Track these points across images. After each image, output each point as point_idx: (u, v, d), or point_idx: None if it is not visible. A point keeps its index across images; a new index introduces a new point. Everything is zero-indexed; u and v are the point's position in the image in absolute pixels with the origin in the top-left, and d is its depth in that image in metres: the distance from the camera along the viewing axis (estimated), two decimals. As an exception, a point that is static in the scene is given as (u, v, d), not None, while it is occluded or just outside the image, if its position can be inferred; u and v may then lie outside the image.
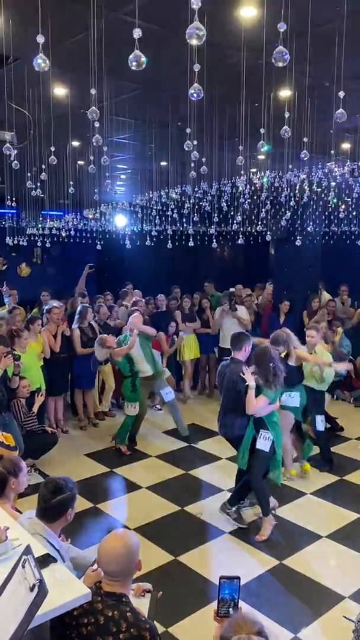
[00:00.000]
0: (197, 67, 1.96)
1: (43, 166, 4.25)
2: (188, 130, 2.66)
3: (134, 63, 1.86)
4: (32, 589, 1.59)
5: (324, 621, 3.72)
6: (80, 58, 3.07)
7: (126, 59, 1.96)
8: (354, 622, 1.95)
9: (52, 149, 3.30)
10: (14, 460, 3.30)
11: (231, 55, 3.16)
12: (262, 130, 2.85)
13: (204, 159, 3.94)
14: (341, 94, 2.11)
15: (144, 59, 1.85)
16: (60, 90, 4.37)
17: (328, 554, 4.56)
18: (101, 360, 6.51)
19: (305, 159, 2.92)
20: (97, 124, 2.58)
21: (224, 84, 3.66)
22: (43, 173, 4.07)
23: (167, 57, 3.59)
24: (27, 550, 1.71)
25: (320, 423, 5.93)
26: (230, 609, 2.03)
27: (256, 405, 4.58)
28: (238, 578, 2.07)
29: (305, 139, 3.19)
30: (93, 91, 2.22)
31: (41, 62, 1.90)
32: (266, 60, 2.92)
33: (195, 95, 1.91)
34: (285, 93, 3.94)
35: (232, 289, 8.50)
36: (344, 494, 5.57)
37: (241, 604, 2.13)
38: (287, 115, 2.50)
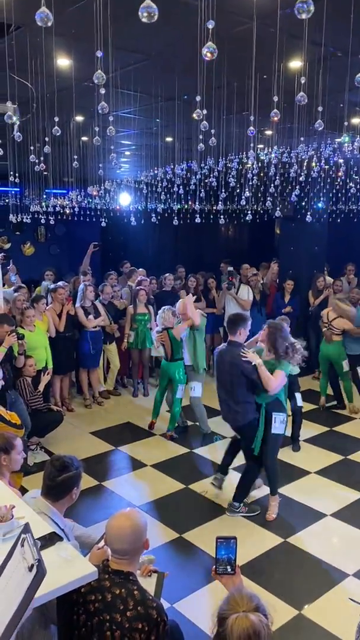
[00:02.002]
0: (211, 24, 1.85)
1: (47, 139, 4.16)
2: (198, 98, 2.57)
3: (145, 14, 1.75)
4: (30, 569, 1.57)
5: (327, 598, 3.74)
6: (84, 26, 2.96)
7: (132, 27, 1.88)
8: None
9: (56, 119, 3.21)
10: (6, 436, 3.28)
11: (242, 24, 3.05)
12: (275, 99, 2.75)
13: (212, 131, 3.83)
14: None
15: (155, 9, 1.73)
16: (63, 62, 4.25)
17: (332, 532, 4.58)
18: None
19: (320, 128, 2.82)
20: (102, 91, 2.49)
21: (234, 55, 3.54)
22: (46, 146, 3.97)
23: (175, 26, 3.47)
24: (26, 529, 1.69)
25: (299, 399, 5.99)
26: (228, 567, 2.11)
27: (277, 381, 4.41)
28: (234, 538, 2.10)
29: (320, 108, 3.08)
30: (99, 53, 2.13)
31: (44, 16, 1.80)
32: (279, 29, 2.82)
33: (208, 54, 1.81)
34: (296, 64, 3.83)
35: (230, 268, 8.43)
36: (348, 473, 5.58)
37: (245, 581, 2.14)
38: (302, 80, 2.39)
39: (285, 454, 5.87)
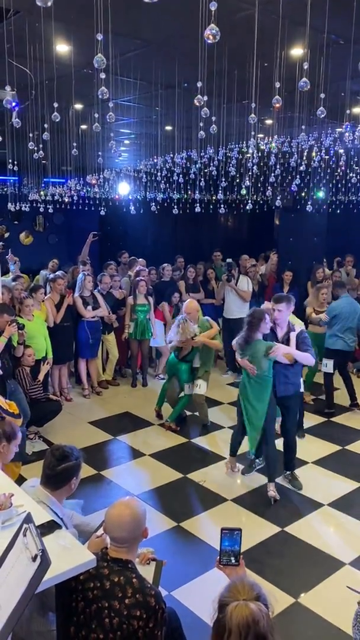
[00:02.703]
0: (213, 5, 1.82)
1: (46, 125, 4.12)
2: (199, 84, 2.53)
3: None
4: (34, 559, 1.56)
5: (324, 587, 3.77)
6: (83, 11, 2.92)
7: (132, 12, 1.85)
8: (359, 593, 1.95)
9: (56, 105, 3.17)
10: (13, 426, 3.29)
11: (244, 9, 3.01)
12: (277, 85, 2.72)
13: (213, 118, 3.79)
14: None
15: None
16: (62, 47, 4.20)
17: (329, 521, 4.61)
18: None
19: (322, 115, 2.79)
20: (102, 75, 2.46)
21: (235, 42, 3.51)
22: (45, 133, 3.93)
23: (175, 12, 3.42)
24: (28, 519, 1.69)
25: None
26: (232, 559, 2.11)
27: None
28: (239, 530, 2.11)
29: (322, 95, 3.05)
30: (99, 36, 2.09)
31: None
32: (281, 15, 2.78)
33: (210, 36, 1.78)
34: (297, 52, 3.78)
35: (229, 260, 8.42)
36: (346, 463, 5.61)
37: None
38: (305, 66, 2.36)
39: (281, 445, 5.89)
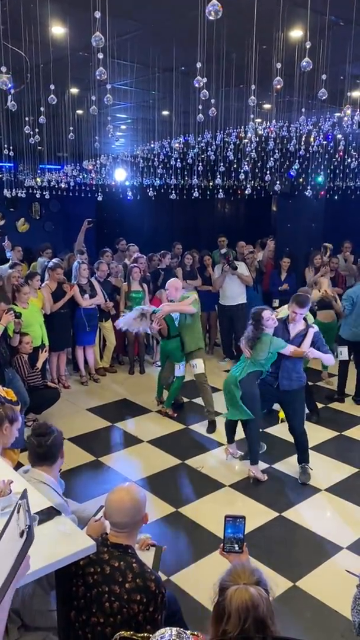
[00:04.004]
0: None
1: (42, 109, 4.06)
2: (198, 65, 2.49)
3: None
4: (21, 535, 1.61)
5: (322, 571, 3.81)
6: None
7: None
8: (358, 577, 1.96)
9: (52, 87, 3.12)
10: (15, 409, 3.33)
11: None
12: (278, 65, 2.68)
13: (212, 100, 3.74)
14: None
15: None
16: (58, 29, 4.12)
17: (327, 506, 4.65)
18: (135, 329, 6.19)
19: (324, 97, 2.76)
20: (100, 55, 2.41)
21: (234, 23, 3.44)
22: (42, 117, 3.87)
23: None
24: (24, 495, 1.73)
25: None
26: (235, 546, 2.12)
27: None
28: (243, 517, 2.11)
29: (324, 76, 3.01)
30: (97, 14, 2.05)
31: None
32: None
33: (212, 13, 1.75)
34: (297, 34, 3.72)
35: (223, 250, 8.38)
36: (343, 448, 5.64)
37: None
38: (308, 45, 2.32)
39: (279, 431, 5.93)
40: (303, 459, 5.05)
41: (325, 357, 5.03)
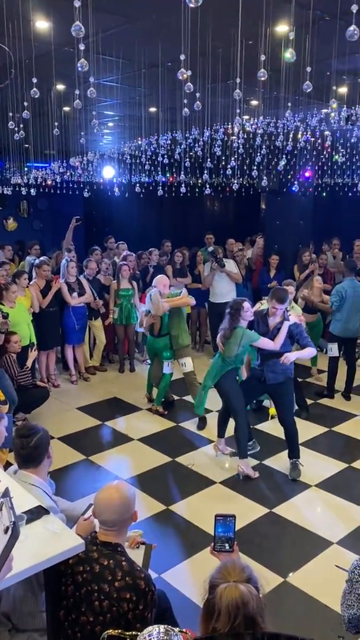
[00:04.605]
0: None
1: (25, 103, 4.01)
2: (182, 57, 2.47)
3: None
4: (5, 532, 1.60)
5: (313, 566, 3.82)
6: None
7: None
8: (348, 572, 1.96)
9: (34, 80, 3.09)
10: (0, 409, 3.28)
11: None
12: (262, 57, 2.66)
13: (197, 94, 3.73)
14: (354, 7, 1.89)
15: None
16: (42, 24, 4.08)
17: (317, 502, 4.66)
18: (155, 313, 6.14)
19: (309, 90, 2.75)
20: (82, 46, 2.39)
21: (219, 18, 3.43)
22: (25, 112, 3.83)
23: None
24: (6, 493, 1.71)
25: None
26: (226, 545, 2.10)
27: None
28: (233, 516, 2.10)
29: (308, 69, 3.00)
30: (77, 3, 2.02)
31: None
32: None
33: (193, 1, 1.73)
34: (283, 28, 3.71)
35: (210, 248, 8.38)
36: (333, 444, 5.67)
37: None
38: (291, 36, 2.31)
39: (269, 427, 5.94)
40: (293, 454, 5.05)
41: (306, 353, 4.94)
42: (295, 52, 2.53)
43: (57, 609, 2.23)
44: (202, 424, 5.99)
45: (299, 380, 6.66)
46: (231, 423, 5.22)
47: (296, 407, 6.22)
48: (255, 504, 4.55)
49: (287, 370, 4.94)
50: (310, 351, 4.94)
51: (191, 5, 1.76)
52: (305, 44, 3.20)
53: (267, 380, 4.92)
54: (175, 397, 6.72)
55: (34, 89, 2.98)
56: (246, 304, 4.87)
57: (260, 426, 5.95)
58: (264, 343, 4.82)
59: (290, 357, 4.81)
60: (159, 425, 6.08)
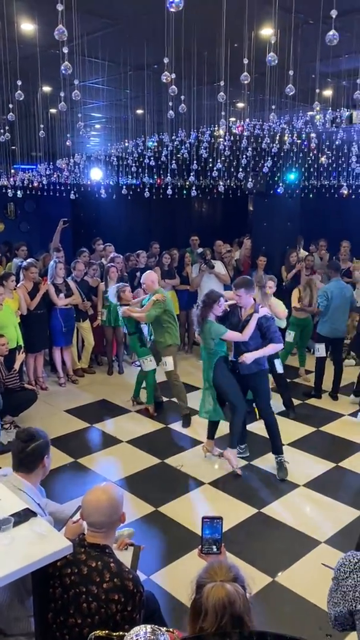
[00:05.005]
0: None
1: (10, 105, 4.00)
2: (165, 60, 2.49)
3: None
4: None
5: (301, 565, 3.84)
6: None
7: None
8: (334, 570, 1.98)
9: (19, 82, 3.08)
10: None
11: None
12: (245, 61, 2.68)
13: (182, 97, 3.74)
14: (333, 12, 1.92)
15: None
16: (27, 26, 4.07)
17: (305, 502, 4.69)
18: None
19: (291, 93, 2.77)
20: (65, 50, 2.39)
21: (204, 22, 3.45)
22: (10, 114, 3.82)
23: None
24: None
25: (279, 366, 6.03)
26: (214, 547, 2.11)
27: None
28: (220, 518, 2.11)
29: (291, 72, 3.03)
30: (60, 7, 2.02)
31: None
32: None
33: (174, 6, 1.74)
34: (267, 32, 3.74)
35: (199, 250, 8.42)
36: (321, 444, 5.70)
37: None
38: (273, 40, 2.33)
39: (257, 427, 5.96)
40: (276, 450, 5.08)
41: (268, 349, 4.89)
42: (278, 55, 2.55)
43: (45, 612, 2.22)
44: (186, 423, 6.07)
45: (288, 380, 6.71)
46: (222, 424, 5.25)
47: (283, 408, 6.27)
48: (244, 504, 4.57)
49: (259, 361, 4.94)
50: (274, 347, 4.92)
51: (172, 10, 1.78)
52: (289, 47, 3.23)
53: (241, 371, 4.97)
54: (165, 399, 6.72)
55: (19, 91, 2.98)
56: (222, 300, 4.95)
57: (248, 427, 5.95)
58: (231, 336, 4.88)
59: (248, 356, 4.81)
60: (148, 427, 6.08)
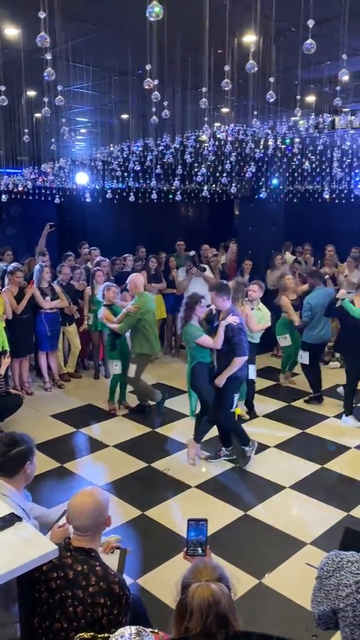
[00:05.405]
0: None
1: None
2: (148, 67, 2.52)
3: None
4: None
5: (287, 567, 3.87)
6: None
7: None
8: (317, 569, 2.00)
9: (2, 88, 3.08)
10: None
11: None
12: (226, 68, 2.72)
13: (165, 103, 3.77)
14: (310, 22, 1.96)
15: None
16: (11, 31, 4.08)
17: (291, 504, 4.72)
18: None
19: (272, 100, 2.81)
20: (49, 56, 2.41)
21: (186, 29, 3.48)
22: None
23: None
24: None
25: (253, 372, 6.13)
26: (199, 549, 2.12)
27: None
28: (205, 520, 2.12)
29: (271, 79, 3.07)
30: (42, 14, 2.03)
31: None
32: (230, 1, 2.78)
33: (153, 14, 1.77)
34: (249, 38, 3.79)
35: (191, 253, 8.47)
36: (306, 446, 5.74)
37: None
38: (253, 49, 2.38)
39: (245, 429, 5.99)
40: (225, 441, 5.28)
41: (233, 368, 4.88)
42: (261, 61, 2.58)
43: (30, 617, 2.21)
44: (136, 409, 6.30)
45: (273, 383, 6.76)
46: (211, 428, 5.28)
47: (269, 411, 6.32)
48: (230, 506, 4.59)
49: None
50: (238, 361, 4.87)
51: (151, 19, 1.80)
52: (271, 53, 3.28)
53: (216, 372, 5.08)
54: (151, 403, 6.72)
55: (2, 96, 2.98)
56: (204, 301, 5.01)
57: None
58: (204, 341, 4.93)
59: (219, 382, 4.95)
60: (134, 431, 6.08)
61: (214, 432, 5.35)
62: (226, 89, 2.59)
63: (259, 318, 6.11)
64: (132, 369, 6.18)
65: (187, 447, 5.15)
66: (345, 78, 2.78)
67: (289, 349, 7.26)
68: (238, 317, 4.98)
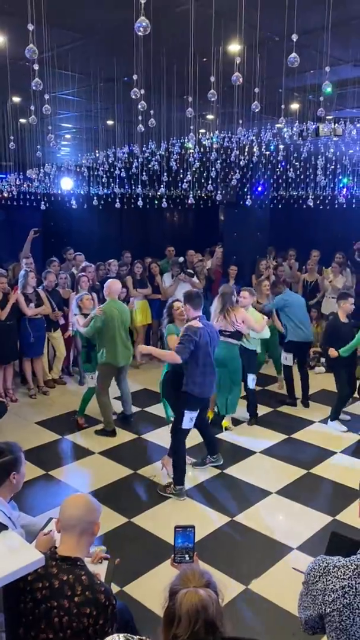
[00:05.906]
0: (144, -2, 1.82)
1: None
2: (135, 77, 2.53)
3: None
4: None
5: (274, 572, 3.87)
6: (17, 1, 2.85)
7: (66, 2, 1.82)
8: (304, 574, 2.01)
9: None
10: None
11: (179, 4, 3.02)
12: (212, 79, 2.75)
13: (152, 112, 3.79)
14: (294, 36, 2.00)
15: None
16: (-3, 38, 4.08)
17: (277, 509, 4.73)
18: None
19: (257, 110, 2.85)
20: (36, 66, 2.41)
21: (174, 37, 3.51)
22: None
23: (110, 4, 3.40)
24: None
25: (252, 381, 6.20)
26: (186, 556, 2.10)
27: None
28: (192, 527, 2.12)
29: (256, 90, 3.11)
30: (30, 27, 2.04)
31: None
32: (214, 11, 2.81)
33: (141, 29, 1.80)
34: (234, 48, 3.84)
35: (180, 258, 8.50)
36: (292, 451, 5.77)
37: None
38: (238, 60, 2.40)
39: (229, 435, 6.01)
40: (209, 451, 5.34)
41: (165, 353, 4.93)
42: (246, 70, 2.62)
43: (16, 627, 2.19)
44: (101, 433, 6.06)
45: (258, 389, 6.77)
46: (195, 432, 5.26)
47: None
48: (217, 512, 4.59)
49: None
50: (168, 355, 4.80)
51: (140, 33, 1.82)
52: (255, 62, 3.32)
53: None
54: (138, 409, 6.70)
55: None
56: (177, 303, 5.19)
57: (219, 436, 6.00)
58: (170, 340, 5.02)
59: (142, 349, 5.25)
60: (120, 438, 6.05)
61: (199, 438, 5.34)
62: (212, 99, 2.62)
63: (255, 320, 6.15)
64: (94, 379, 6.08)
65: (164, 464, 5.07)
66: (329, 90, 2.82)
67: (262, 356, 7.24)
68: (208, 326, 4.85)
